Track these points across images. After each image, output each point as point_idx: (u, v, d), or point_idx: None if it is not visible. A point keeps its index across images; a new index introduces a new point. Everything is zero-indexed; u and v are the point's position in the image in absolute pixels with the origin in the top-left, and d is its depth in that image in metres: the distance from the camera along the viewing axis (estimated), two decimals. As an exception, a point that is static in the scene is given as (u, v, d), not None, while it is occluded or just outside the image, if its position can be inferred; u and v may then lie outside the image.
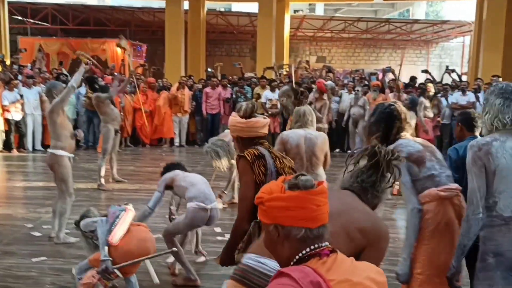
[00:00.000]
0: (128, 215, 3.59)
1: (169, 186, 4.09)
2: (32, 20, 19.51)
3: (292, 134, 4.10)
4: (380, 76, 14.98)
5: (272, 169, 2.64)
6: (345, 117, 11.02)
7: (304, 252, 1.39)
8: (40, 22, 19.84)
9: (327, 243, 1.42)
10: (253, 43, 21.90)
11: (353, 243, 1.87)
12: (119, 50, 17.08)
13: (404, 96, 10.18)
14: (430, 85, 10.50)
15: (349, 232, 1.87)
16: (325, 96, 9.03)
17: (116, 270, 3.41)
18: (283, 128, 8.87)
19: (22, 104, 10.50)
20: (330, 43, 25.86)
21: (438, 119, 10.37)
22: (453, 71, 12.13)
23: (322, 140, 4.11)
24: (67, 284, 4.04)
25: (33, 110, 10.72)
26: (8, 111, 10.37)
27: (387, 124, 2.84)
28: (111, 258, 3.40)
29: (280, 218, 1.39)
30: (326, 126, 8.79)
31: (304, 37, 25.12)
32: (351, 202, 2.04)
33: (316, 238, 1.40)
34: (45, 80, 11.31)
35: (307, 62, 16.40)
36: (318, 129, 4.83)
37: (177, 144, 12.03)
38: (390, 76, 14.06)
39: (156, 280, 3.75)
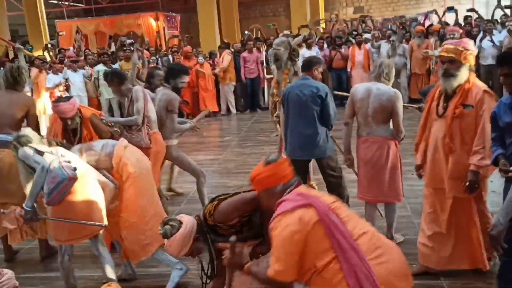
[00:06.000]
0: (70, 184, 3.25)
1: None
2: (67, 3, 19.81)
3: (360, 87, 4.01)
4: (423, 20, 14.27)
5: None
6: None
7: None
8: (75, 4, 20.12)
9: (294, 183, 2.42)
10: (287, 1, 21.31)
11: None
12: (153, 23, 17.19)
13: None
14: None
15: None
16: None
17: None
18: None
19: (68, 87, 10.73)
20: (367, -8, 24.79)
21: None
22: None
23: (388, 98, 3.82)
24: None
25: (79, 92, 10.89)
26: (53, 94, 10.65)
27: None
28: (34, 210, 3.25)
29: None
30: None
31: (339, -12, 24.20)
32: None
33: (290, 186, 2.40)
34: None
35: (336, 16, 15.81)
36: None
37: (223, 112, 11.98)
38: (434, 19, 13.32)
39: None
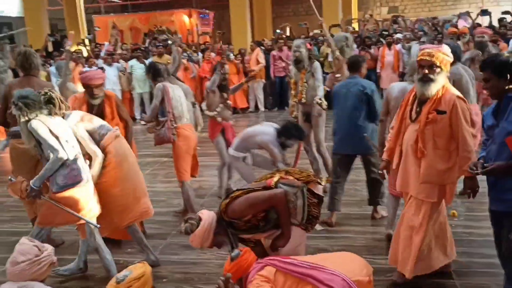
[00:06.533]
0: (85, 187, 3.41)
1: None
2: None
3: (396, 86, 4.17)
4: (457, 21, 14.00)
5: None
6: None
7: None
8: (112, 0, 20.63)
9: None
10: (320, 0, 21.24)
11: None
12: (187, 20, 17.48)
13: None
14: None
15: None
16: None
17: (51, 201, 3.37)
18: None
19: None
20: (402, -9, 24.42)
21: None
22: None
23: None
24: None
25: (113, 85, 11.21)
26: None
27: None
28: (40, 190, 3.35)
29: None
30: None
31: (373, -13, 23.93)
32: None
33: None
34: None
35: (371, 15, 15.71)
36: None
37: (251, 109, 12.14)
38: (471, 21, 13.06)
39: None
